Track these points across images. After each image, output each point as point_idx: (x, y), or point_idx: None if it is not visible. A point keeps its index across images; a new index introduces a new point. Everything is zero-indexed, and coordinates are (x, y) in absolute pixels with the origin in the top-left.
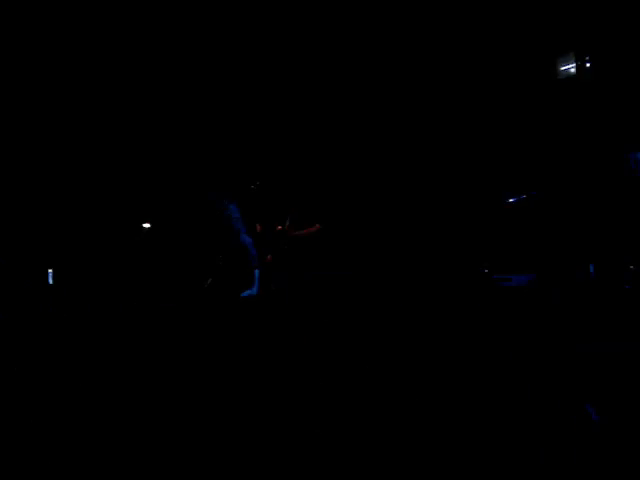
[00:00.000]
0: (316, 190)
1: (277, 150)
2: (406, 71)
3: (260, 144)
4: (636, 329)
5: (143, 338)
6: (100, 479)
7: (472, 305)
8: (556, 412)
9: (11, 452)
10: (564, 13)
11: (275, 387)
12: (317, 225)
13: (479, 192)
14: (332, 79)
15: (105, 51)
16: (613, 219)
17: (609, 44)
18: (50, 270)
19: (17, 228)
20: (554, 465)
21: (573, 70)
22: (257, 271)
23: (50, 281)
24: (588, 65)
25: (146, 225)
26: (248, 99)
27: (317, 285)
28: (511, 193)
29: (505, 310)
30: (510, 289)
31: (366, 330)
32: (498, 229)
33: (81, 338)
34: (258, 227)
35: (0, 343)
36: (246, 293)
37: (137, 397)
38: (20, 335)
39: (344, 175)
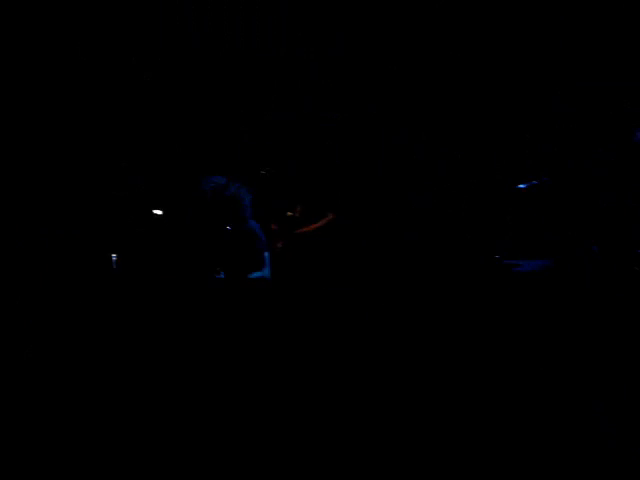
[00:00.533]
0: (328, 176)
1: (287, 135)
2: (417, 55)
3: (270, 128)
4: None
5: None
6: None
7: (484, 290)
8: (567, 408)
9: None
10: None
11: (285, 375)
12: (331, 214)
13: (489, 178)
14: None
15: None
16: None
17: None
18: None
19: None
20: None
21: None
22: (267, 253)
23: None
24: None
25: (158, 212)
26: (257, 88)
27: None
28: (522, 179)
29: (518, 296)
30: (522, 274)
31: (376, 317)
32: (509, 215)
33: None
34: (273, 226)
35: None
36: (257, 274)
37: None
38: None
39: (353, 162)
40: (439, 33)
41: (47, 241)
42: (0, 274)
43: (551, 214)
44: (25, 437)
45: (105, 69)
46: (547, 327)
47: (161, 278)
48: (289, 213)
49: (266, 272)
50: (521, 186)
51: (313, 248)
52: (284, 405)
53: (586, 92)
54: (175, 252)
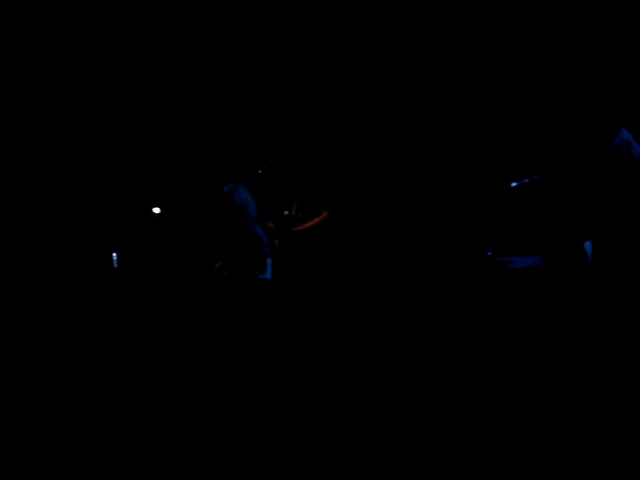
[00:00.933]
0: (323, 175)
1: (284, 135)
2: (408, 56)
3: (267, 128)
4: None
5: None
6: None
7: (477, 286)
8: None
9: None
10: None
11: (286, 374)
12: (325, 212)
13: (483, 176)
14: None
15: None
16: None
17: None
18: (114, 254)
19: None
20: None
21: None
22: (270, 259)
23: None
24: None
25: (156, 210)
26: (253, 88)
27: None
28: (515, 177)
29: (510, 292)
30: (514, 271)
31: (373, 314)
32: (502, 212)
33: None
34: (270, 224)
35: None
36: (259, 276)
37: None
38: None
39: (347, 161)
40: (438, 34)
41: (47, 241)
42: (1, 274)
43: (543, 211)
44: (25, 436)
45: (105, 69)
46: (539, 322)
47: (165, 277)
48: (286, 212)
49: (267, 274)
50: (513, 184)
51: (311, 247)
52: (285, 402)
53: (578, 92)
54: (179, 251)
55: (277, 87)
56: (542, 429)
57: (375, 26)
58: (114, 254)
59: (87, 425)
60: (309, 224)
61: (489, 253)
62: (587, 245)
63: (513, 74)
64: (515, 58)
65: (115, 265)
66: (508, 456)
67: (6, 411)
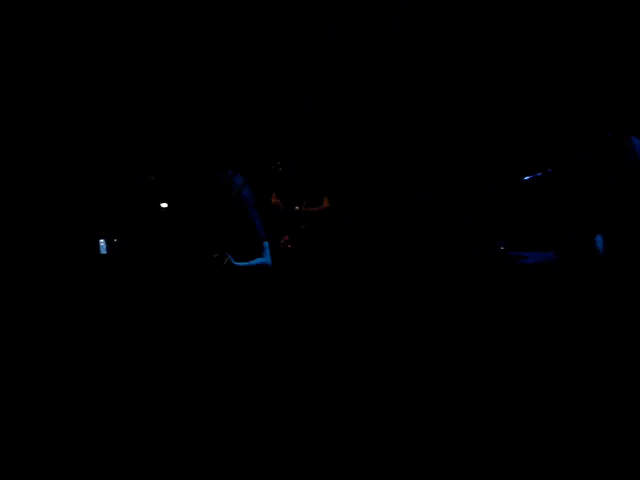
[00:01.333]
0: (324, 173)
1: (284, 135)
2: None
3: (267, 128)
4: None
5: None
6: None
7: (488, 282)
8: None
9: None
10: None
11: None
12: (326, 199)
13: (495, 169)
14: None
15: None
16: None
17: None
18: (102, 240)
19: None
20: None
21: None
22: (266, 243)
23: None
24: None
25: (164, 205)
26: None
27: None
28: (527, 170)
29: (522, 287)
30: (527, 266)
31: (376, 310)
32: (514, 207)
33: None
34: (274, 199)
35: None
36: (259, 261)
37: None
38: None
39: (356, 158)
40: (439, 30)
41: (47, 240)
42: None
43: (555, 206)
44: (25, 436)
45: (105, 69)
46: (551, 319)
47: (162, 266)
48: (296, 207)
49: (267, 259)
50: (525, 178)
51: (315, 243)
52: (283, 395)
53: (588, 85)
54: (175, 240)
55: (277, 86)
56: (554, 426)
57: (375, 25)
58: (101, 240)
59: (86, 420)
60: (310, 209)
61: (501, 248)
62: (598, 239)
63: (525, 68)
64: (528, 51)
65: (104, 252)
66: (518, 455)
67: (6, 409)
